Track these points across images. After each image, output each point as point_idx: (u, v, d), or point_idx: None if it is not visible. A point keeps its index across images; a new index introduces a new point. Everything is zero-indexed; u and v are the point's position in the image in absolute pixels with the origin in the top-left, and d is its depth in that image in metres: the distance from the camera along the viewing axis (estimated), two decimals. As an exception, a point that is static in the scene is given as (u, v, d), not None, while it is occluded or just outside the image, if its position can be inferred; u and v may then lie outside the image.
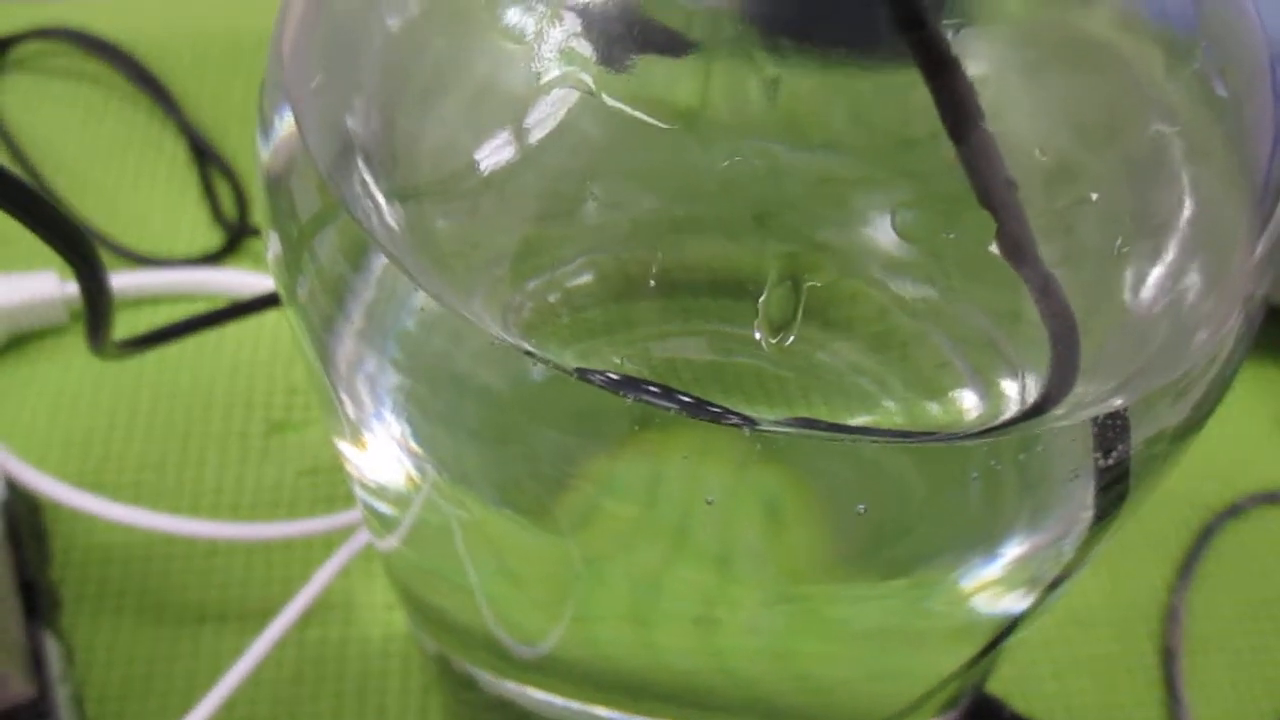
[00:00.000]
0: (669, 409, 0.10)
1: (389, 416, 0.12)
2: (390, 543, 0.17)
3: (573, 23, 0.11)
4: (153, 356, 0.29)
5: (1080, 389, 0.11)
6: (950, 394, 0.11)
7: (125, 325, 0.29)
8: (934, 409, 0.11)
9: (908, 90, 0.10)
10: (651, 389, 0.11)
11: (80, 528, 0.25)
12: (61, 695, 0.22)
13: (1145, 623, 0.26)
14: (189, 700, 0.22)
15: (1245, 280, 0.12)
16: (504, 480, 0.12)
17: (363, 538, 0.23)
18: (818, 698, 0.15)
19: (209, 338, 0.29)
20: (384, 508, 0.16)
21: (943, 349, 0.12)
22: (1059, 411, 0.10)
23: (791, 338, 0.10)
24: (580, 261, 0.12)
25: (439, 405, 0.12)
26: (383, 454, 0.13)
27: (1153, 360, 0.11)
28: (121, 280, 0.29)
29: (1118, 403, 0.10)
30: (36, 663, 0.22)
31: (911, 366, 0.12)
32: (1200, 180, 0.11)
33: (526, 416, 0.12)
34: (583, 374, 0.10)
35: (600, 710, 0.17)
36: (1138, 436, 0.11)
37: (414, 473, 0.13)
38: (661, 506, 0.11)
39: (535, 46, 0.10)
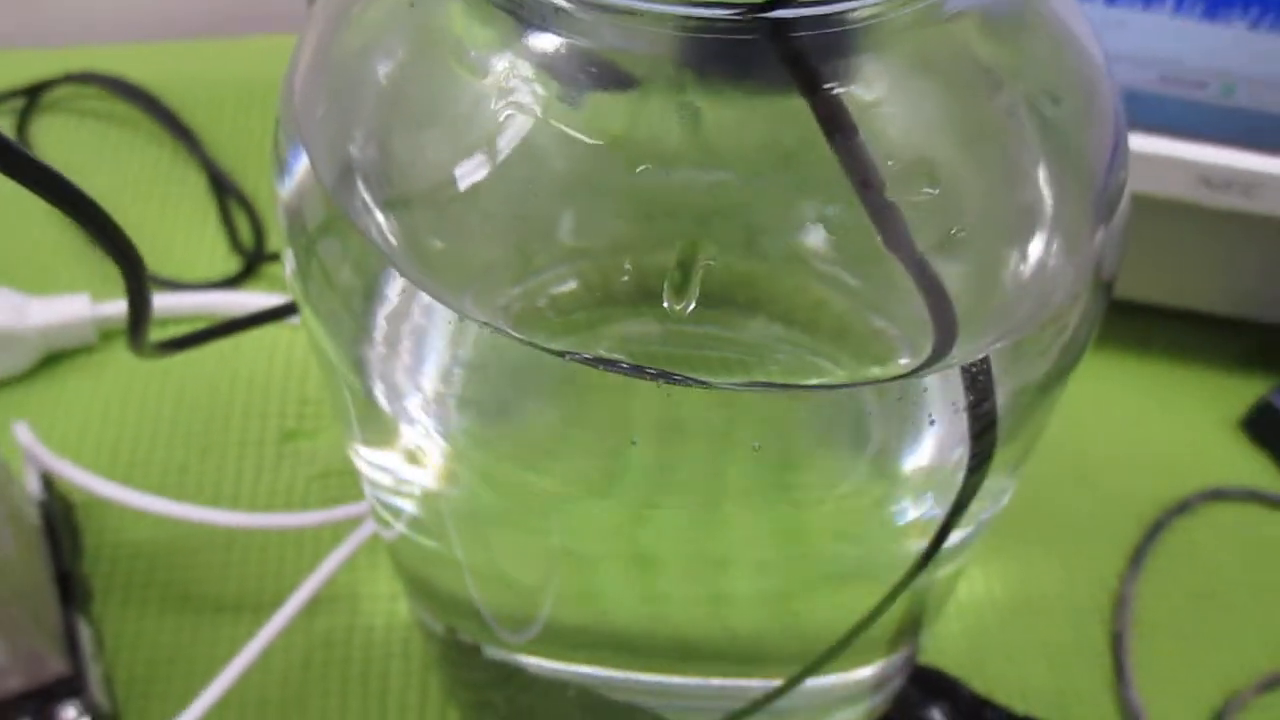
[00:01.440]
0: (641, 377, 0.12)
1: (399, 390, 0.15)
2: (398, 529, 0.19)
3: (535, 64, 0.13)
4: (175, 373, 0.31)
5: (962, 347, 0.13)
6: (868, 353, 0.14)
7: (154, 338, 0.32)
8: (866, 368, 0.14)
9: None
10: (622, 364, 0.13)
11: (109, 525, 0.27)
12: (93, 674, 0.24)
13: (1097, 610, 0.28)
14: (207, 679, 0.24)
15: (1090, 260, 0.14)
16: (503, 438, 0.14)
17: (366, 530, 0.25)
18: (753, 638, 0.17)
19: (226, 355, 0.31)
20: (394, 500, 0.18)
21: (860, 320, 0.14)
22: (937, 365, 0.12)
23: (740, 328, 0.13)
24: (558, 270, 0.14)
25: (439, 383, 0.14)
26: (390, 428, 0.15)
27: (1020, 323, 0.13)
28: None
29: (982, 355, 0.13)
30: (71, 645, 0.24)
31: (833, 338, 0.14)
32: (1054, 183, 0.14)
33: (518, 391, 0.14)
34: (569, 356, 0.13)
35: (579, 668, 0.20)
36: (1006, 389, 0.13)
37: (415, 438, 0.15)
38: (632, 454, 0.13)
39: (499, 86, 0.13)
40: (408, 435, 0.15)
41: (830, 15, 0.12)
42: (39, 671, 0.23)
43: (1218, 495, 0.31)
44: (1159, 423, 0.32)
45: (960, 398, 0.13)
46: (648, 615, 0.18)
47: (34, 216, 0.35)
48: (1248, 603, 0.29)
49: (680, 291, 0.12)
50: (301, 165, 0.15)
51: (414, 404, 0.14)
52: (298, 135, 0.15)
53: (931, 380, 0.13)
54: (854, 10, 0.12)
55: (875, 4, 0.12)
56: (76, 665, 0.24)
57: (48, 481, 0.26)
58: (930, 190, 0.12)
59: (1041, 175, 0.14)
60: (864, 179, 0.12)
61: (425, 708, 0.25)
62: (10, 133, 0.37)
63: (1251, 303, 0.33)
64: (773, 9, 0.11)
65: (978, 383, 0.13)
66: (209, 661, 0.25)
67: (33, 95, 0.38)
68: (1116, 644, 0.28)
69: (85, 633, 0.24)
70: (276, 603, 0.25)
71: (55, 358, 0.31)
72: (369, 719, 0.25)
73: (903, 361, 0.13)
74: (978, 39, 0.14)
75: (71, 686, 0.23)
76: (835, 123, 0.12)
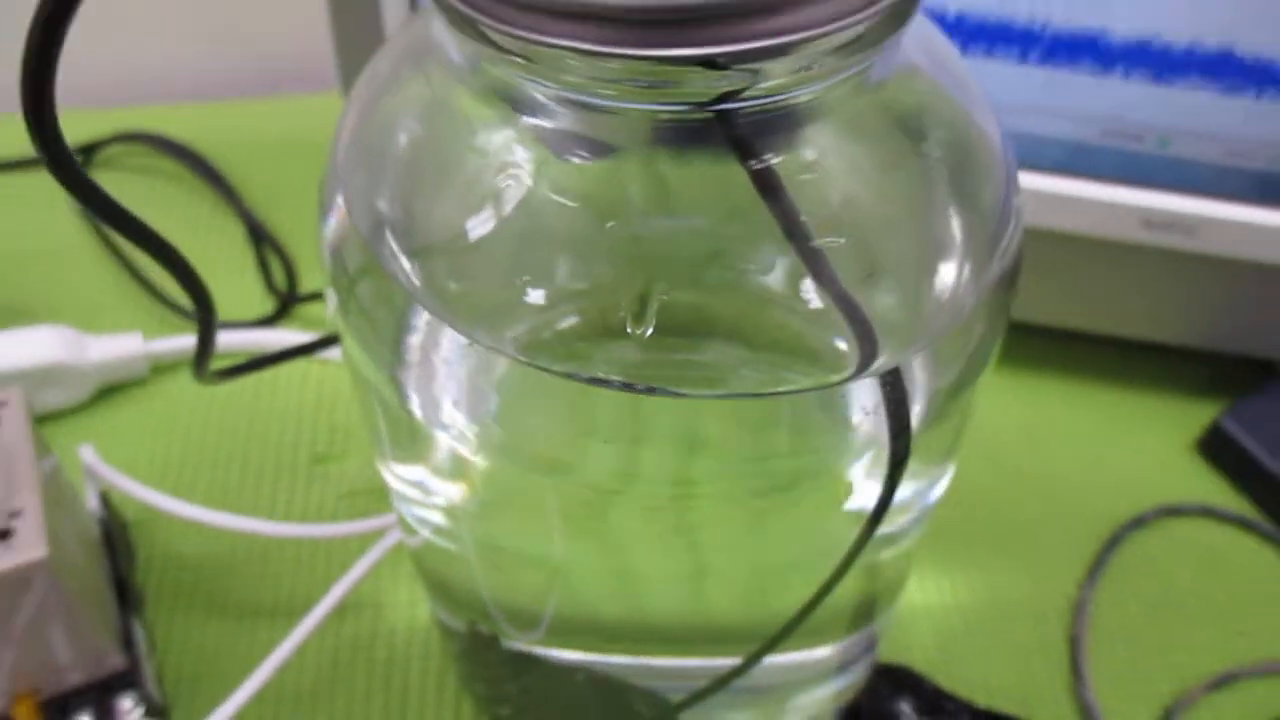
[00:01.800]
0: (629, 390, 0.15)
1: (442, 412, 0.18)
2: (423, 536, 0.22)
3: (528, 139, 0.16)
4: (217, 403, 0.34)
5: (890, 356, 0.16)
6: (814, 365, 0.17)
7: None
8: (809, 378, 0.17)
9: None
10: (614, 381, 0.16)
11: (159, 539, 0.30)
12: (147, 670, 0.27)
13: (1057, 615, 0.31)
14: (245, 675, 0.26)
15: (990, 280, 0.17)
16: (518, 442, 0.17)
17: (389, 541, 0.28)
18: (731, 621, 0.20)
19: (263, 387, 0.35)
20: (420, 510, 0.21)
21: (809, 337, 0.17)
22: (861, 375, 0.15)
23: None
24: (558, 307, 0.17)
25: (464, 396, 0.17)
26: (420, 438, 0.18)
27: (935, 336, 0.16)
28: (192, 340, 0.35)
29: (894, 365, 0.15)
30: (127, 643, 0.27)
31: (786, 354, 0.17)
32: (961, 218, 0.17)
33: (531, 402, 0.17)
34: (569, 376, 0.16)
35: (585, 654, 0.22)
36: (925, 391, 0.16)
37: (445, 443, 0.18)
38: (630, 451, 0.16)
39: (499, 155, 0.16)
40: (438, 442, 0.18)
41: (769, 104, 0.15)
42: (99, 666, 0.26)
43: (1173, 511, 0.33)
44: (1120, 444, 0.35)
45: (878, 402, 0.16)
46: (638, 604, 0.21)
47: (90, 264, 0.38)
48: (1198, 609, 0.31)
49: (639, 320, 0.15)
50: (343, 218, 0.18)
51: (443, 413, 0.17)
52: (340, 193, 0.18)
53: (860, 387, 0.16)
54: (789, 99, 0.15)
55: (808, 91, 0.15)
56: (132, 661, 0.26)
57: (105, 499, 0.29)
58: (857, 232, 0.15)
59: (952, 213, 0.17)
60: (791, 230, 0.15)
61: (441, 703, 0.28)
62: (63, 191, 0.41)
63: (1206, 334, 0.35)
64: (720, 103, 0.14)
65: (893, 389, 0.15)
66: (247, 659, 0.28)
67: (88, 153, 0.41)
68: (1074, 646, 0.30)
69: (139, 633, 0.27)
70: (307, 607, 0.28)
71: (110, 389, 0.34)
72: (390, 712, 0.28)
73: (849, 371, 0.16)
74: (897, 102, 0.17)
75: (128, 680, 0.26)
76: (767, 186, 0.15)
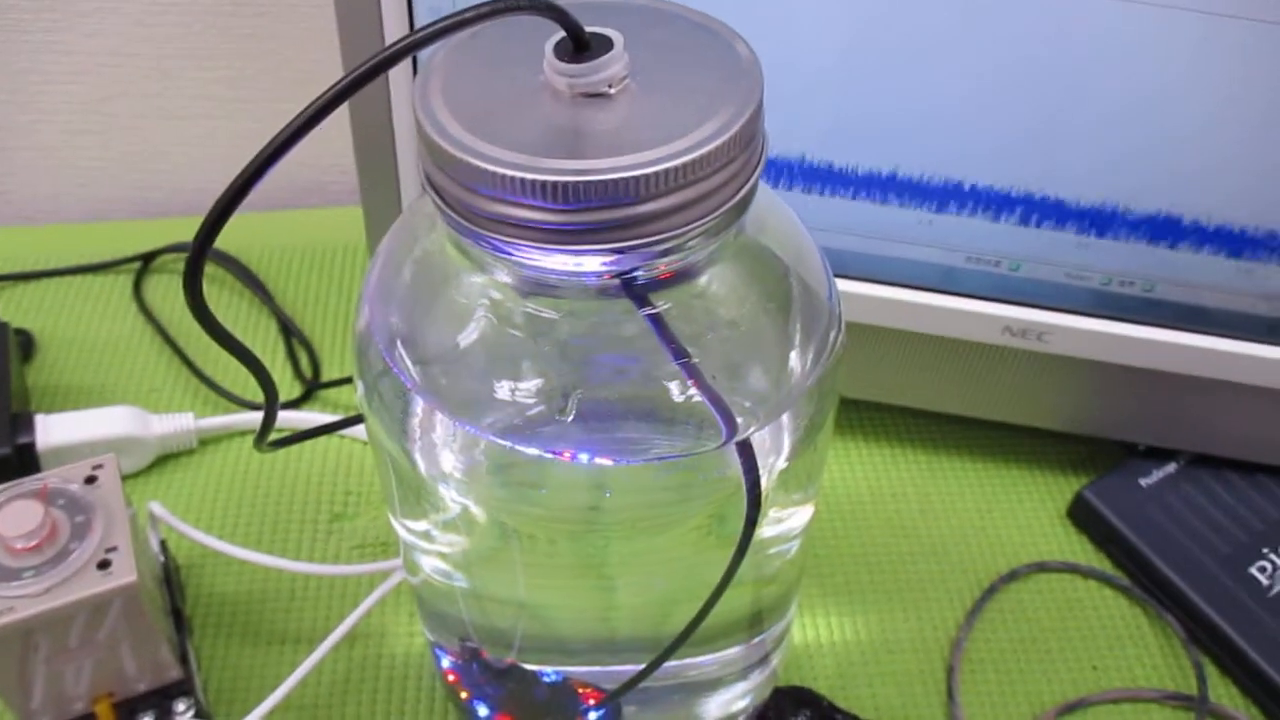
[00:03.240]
0: (583, 458, 0.23)
1: (442, 470, 0.25)
2: (423, 575, 0.29)
3: (495, 282, 0.23)
4: (253, 471, 0.41)
5: (752, 425, 0.23)
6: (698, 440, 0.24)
7: (238, 444, 0.42)
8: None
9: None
10: (564, 454, 0.23)
11: (204, 579, 0.37)
12: (197, 681, 0.33)
13: (938, 650, 0.37)
14: (271, 688, 0.33)
15: (821, 365, 0.24)
16: (501, 498, 0.24)
17: (392, 582, 0.35)
18: (639, 631, 0.27)
19: (291, 458, 0.42)
20: (421, 555, 0.28)
21: (694, 419, 0.24)
22: (724, 445, 0.23)
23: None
24: (519, 403, 0.24)
25: (457, 459, 0.24)
26: (432, 494, 0.25)
27: (782, 409, 0.24)
28: (232, 419, 0.42)
29: (743, 436, 0.23)
30: (183, 659, 0.33)
31: (683, 429, 0.24)
32: (804, 320, 0.24)
33: (507, 472, 0.24)
34: (516, 448, 0.23)
35: (548, 668, 0.29)
36: (772, 454, 0.23)
37: (450, 499, 0.25)
38: (576, 504, 0.24)
39: (474, 292, 0.23)
40: (438, 497, 0.25)
41: (662, 269, 0.22)
42: (160, 676, 0.33)
43: (1042, 567, 0.40)
44: (1001, 511, 0.42)
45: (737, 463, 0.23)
46: (579, 626, 0.28)
47: (149, 354, 0.46)
48: (1058, 648, 0.38)
49: (563, 412, 0.22)
50: (368, 331, 0.25)
51: (440, 471, 0.25)
52: (368, 313, 0.25)
53: (726, 452, 0.23)
54: (679, 263, 0.22)
55: (691, 258, 0.22)
56: (187, 673, 0.33)
57: (164, 545, 0.36)
58: (735, 334, 0.23)
59: (801, 310, 0.24)
60: (675, 354, 0.22)
61: (433, 713, 0.35)
62: (127, 290, 0.49)
63: (1069, 420, 0.42)
64: (627, 274, 0.21)
65: (747, 452, 0.23)
66: (274, 676, 0.35)
67: (146, 261, 0.49)
68: (950, 675, 0.37)
69: (191, 652, 0.34)
70: (324, 635, 0.35)
71: (166, 458, 0.41)
72: (390, 721, 0.35)
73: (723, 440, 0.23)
74: (755, 245, 0.24)
75: (183, 688, 0.33)
76: (656, 324, 0.22)
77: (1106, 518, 0.40)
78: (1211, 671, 0.37)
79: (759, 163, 0.22)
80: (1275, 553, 0.39)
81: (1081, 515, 0.41)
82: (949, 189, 0.36)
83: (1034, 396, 0.42)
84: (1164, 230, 0.35)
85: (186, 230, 0.51)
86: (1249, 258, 0.36)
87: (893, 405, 0.44)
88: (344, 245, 0.51)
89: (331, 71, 0.52)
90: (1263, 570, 0.39)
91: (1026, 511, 0.42)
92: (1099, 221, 0.36)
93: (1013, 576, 0.40)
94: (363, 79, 0.18)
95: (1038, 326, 0.38)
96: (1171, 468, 0.42)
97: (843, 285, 0.38)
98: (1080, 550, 0.41)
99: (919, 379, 0.42)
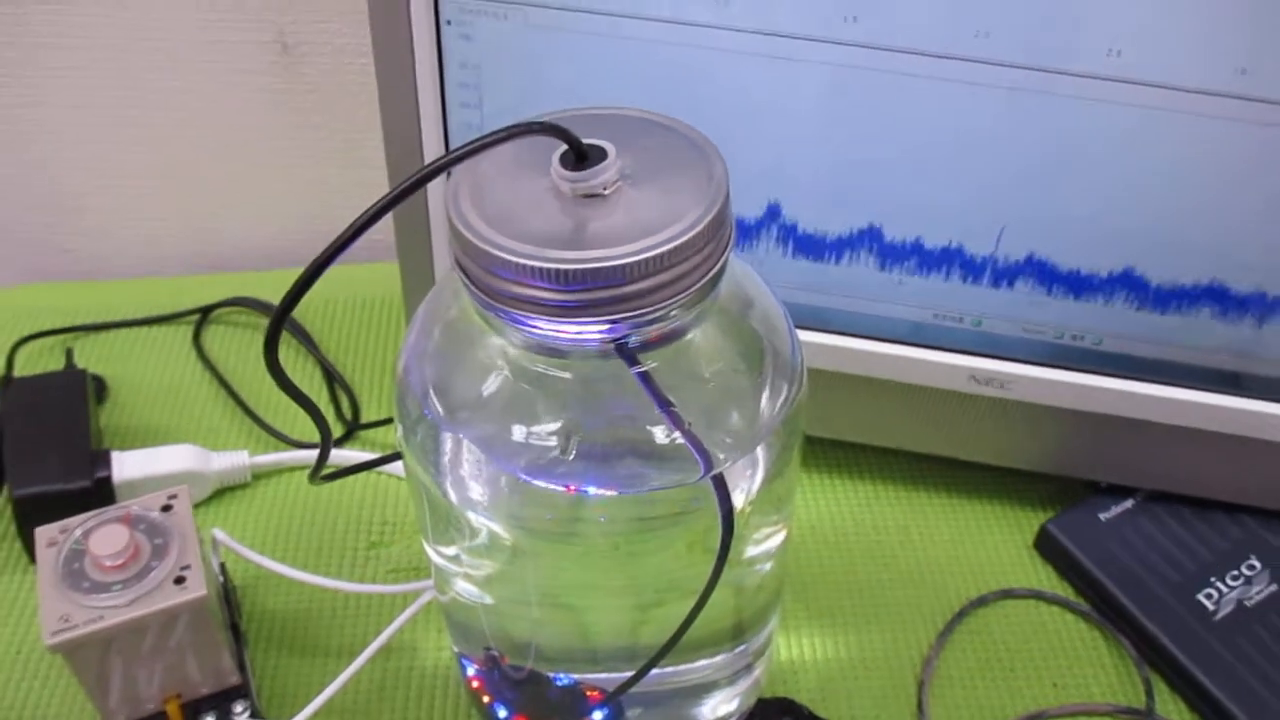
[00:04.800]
0: (589, 490, 0.27)
1: (470, 498, 0.29)
2: (451, 594, 0.34)
3: (511, 343, 0.28)
4: (300, 503, 0.46)
5: (725, 459, 0.28)
6: (682, 474, 0.28)
7: (287, 478, 0.47)
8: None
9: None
10: (571, 486, 0.28)
11: (258, 598, 0.42)
12: (253, 686, 0.38)
13: (910, 667, 0.41)
14: (315, 694, 0.38)
15: (786, 405, 0.29)
16: (523, 522, 0.29)
17: (423, 600, 0.40)
18: (637, 640, 0.32)
19: (334, 492, 0.47)
20: (451, 576, 0.33)
21: (678, 455, 0.29)
22: (701, 479, 0.27)
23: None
24: (537, 444, 0.29)
25: (484, 488, 0.29)
26: (462, 521, 0.30)
27: (753, 444, 0.28)
28: (282, 456, 0.47)
29: (718, 470, 0.27)
30: (240, 666, 0.38)
31: (672, 465, 0.29)
32: (773, 365, 0.29)
33: (524, 500, 0.29)
34: (529, 480, 0.28)
35: (560, 673, 0.34)
36: (745, 485, 0.28)
37: (476, 522, 0.29)
38: (583, 526, 0.28)
39: (493, 351, 0.28)
40: (466, 522, 0.30)
41: (651, 333, 0.27)
42: (221, 681, 0.37)
43: (1008, 593, 0.44)
44: (973, 542, 0.46)
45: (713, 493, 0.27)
46: (595, 632, 0.33)
47: (207, 397, 0.51)
48: (1021, 667, 0.42)
49: (564, 450, 0.27)
50: (405, 381, 0.30)
51: (468, 499, 0.29)
52: (406, 367, 0.30)
53: (706, 483, 0.27)
54: (666, 327, 0.27)
55: (677, 322, 0.27)
56: (244, 679, 0.38)
57: (223, 567, 0.41)
58: (710, 383, 0.27)
59: (769, 361, 0.29)
60: (661, 404, 0.27)
61: (458, 718, 0.39)
62: (187, 339, 0.54)
63: (1038, 460, 0.47)
64: (621, 339, 0.26)
65: (721, 483, 0.27)
66: (319, 683, 0.39)
67: (205, 313, 0.55)
68: (921, 688, 0.41)
69: (247, 661, 0.39)
70: (362, 647, 0.39)
71: (224, 490, 0.46)
72: (420, 725, 0.39)
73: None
74: (731, 305, 0.29)
75: (241, 692, 0.38)
76: (645, 380, 0.27)
77: (1068, 549, 0.44)
78: (1162, 689, 0.41)
79: (726, 248, 0.26)
80: (1222, 581, 0.43)
81: (1046, 546, 0.45)
82: (920, 254, 0.41)
83: (1001, 438, 0.46)
84: (1106, 290, 0.40)
85: (240, 285, 0.57)
86: (1182, 313, 0.40)
87: (874, 446, 0.49)
88: (381, 299, 0.57)
89: (371, 140, 0.58)
90: (1209, 597, 0.43)
91: (996, 543, 0.46)
92: (1050, 282, 0.40)
93: (981, 602, 0.44)
94: (406, 192, 0.23)
95: (1000, 376, 0.42)
96: (1129, 503, 0.46)
97: (825, 338, 0.43)
98: (1045, 578, 0.45)
99: (897, 422, 0.46)
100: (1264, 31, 0.33)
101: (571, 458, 0.27)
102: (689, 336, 0.28)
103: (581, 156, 0.26)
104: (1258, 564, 0.44)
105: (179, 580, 0.34)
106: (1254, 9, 0.33)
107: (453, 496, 0.29)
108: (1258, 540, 0.45)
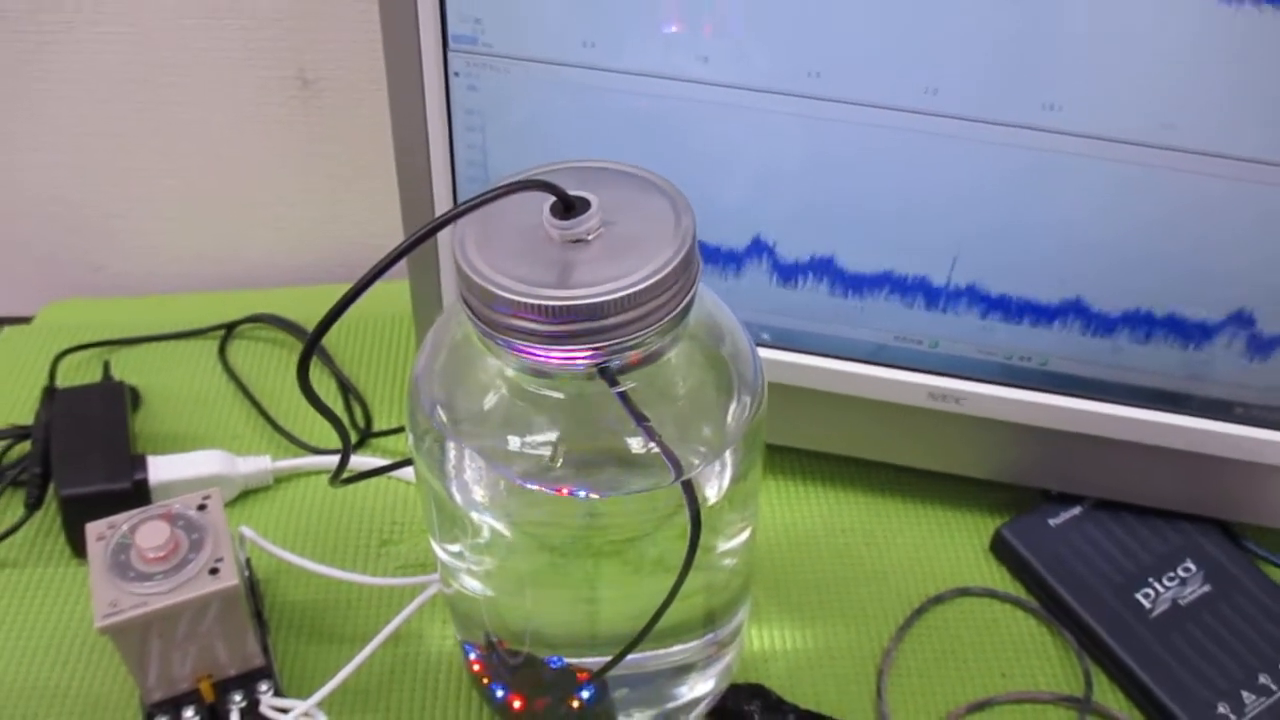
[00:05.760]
0: (578, 493, 0.32)
1: (473, 500, 0.34)
2: (455, 587, 0.38)
3: (509, 365, 0.32)
4: (317, 504, 0.51)
5: (696, 466, 0.32)
6: (657, 479, 0.33)
7: (306, 481, 0.52)
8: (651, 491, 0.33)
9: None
10: (564, 489, 0.32)
11: (279, 590, 0.46)
12: (275, 668, 0.42)
13: (871, 657, 0.46)
14: (329, 677, 0.42)
15: (750, 415, 0.33)
16: (523, 521, 0.33)
17: (429, 593, 0.44)
18: (615, 625, 0.36)
19: (349, 494, 0.51)
20: (456, 570, 0.37)
21: (653, 462, 0.33)
22: (674, 481, 0.31)
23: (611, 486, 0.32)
24: (532, 452, 0.33)
25: (485, 491, 0.33)
26: (465, 521, 0.34)
27: (719, 452, 0.32)
28: (302, 461, 0.52)
29: (688, 476, 0.31)
30: (265, 650, 0.42)
31: (646, 472, 0.33)
32: (738, 382, 0.33)
33: (521, 501, 0.33)
34: (542, 487, 0.32)
35: (552, 656, 0.38)
36: (714, 486, 0.32)
37: (478, 521, 0.34)
38: (571, 524, 0.32)
39: (493, 371, 0.32)
40: (470, 522, 0.34)
41: (632, 359, 0.31)
42: (247, 663, 0.42)
43: (965, 592, 0.48)
44: (933, 544, 0.50)
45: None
46: (583, 620, 0.37)
47: (232, 406, 0.56)
48: (973, 658, 0.46)
49: (554, 458, 0.31)
50: (417, 395, 0.35)
51: (472, 501, 0.34)
52: (416, 383, 0.35)
53: (679, 487, 0.32)
54: (644, 352, 0.31)
55: (654, 347, 0.31)
56: (267, 662, 0.42)
57: (248, 562, 0.46)
58: (683, 397, 0.32)
59: (734, 377, 0.33)
60: (637, 420, 0.31)
61: (459, 701, 0.43)
62: (214, 352, 0.59)
63: (993, 469, 0.51)
64: (603, 363, 0.30)
65: (689, 488, 0.31)
66: (334, 666, 0.43)
67: (229, 329, 0.59)
68: (880, 677, 0.45)
69: (270, 645, 0.43)
70: (373, 635, 0.43)
71: (248, 492, 0.51)
72: (425, 705, 0.43)
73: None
74: (701, 327, 0.33)
75: (265, 673, 0.42)
76: (623, 399, 0.31)
77: (1020, 552, 0.49)
78: (1101, 680, 0.45)
79: (693, 285, 0.31)
80: (1159, 582, 0.47)
81: (1000, 549, 0.49)
82: (881, 282, 0.45)
83: (959, 449, 0.50)
84: (1054, 317, 0.44)
85: (261, 302, 0.61)
86: (1126, 339, 0.44)
87: (841, 456, 0.53)
88: (392, 315, 0.61)
89: (383, 169, 0.63)
90: (1146, 596, 0.47)
91: (954, 545, 0.50)
92: (997, 309, 0.44)
93: (939, 599, 0.48)
94: (418, 241, 0.27)
95: (955, 393, 0.47)
96: (1077, 510, 0.50)
97: (796, 358, 0.47)
98: (999, 579, 0.49)
99: (863, 434, 0.50)
100: (1186, 91, 0.37)
101: (560, 465, 0.32)
102: (663, 359, 0.32)
103: (569, 207, 0.30)
104: (1193, 566, 0.48)
105: (213, 571, 0.38)
106: (1178, 72, 0.37)
107: (457, 498, 0.34)
108: (1194, 545, 0.49)
